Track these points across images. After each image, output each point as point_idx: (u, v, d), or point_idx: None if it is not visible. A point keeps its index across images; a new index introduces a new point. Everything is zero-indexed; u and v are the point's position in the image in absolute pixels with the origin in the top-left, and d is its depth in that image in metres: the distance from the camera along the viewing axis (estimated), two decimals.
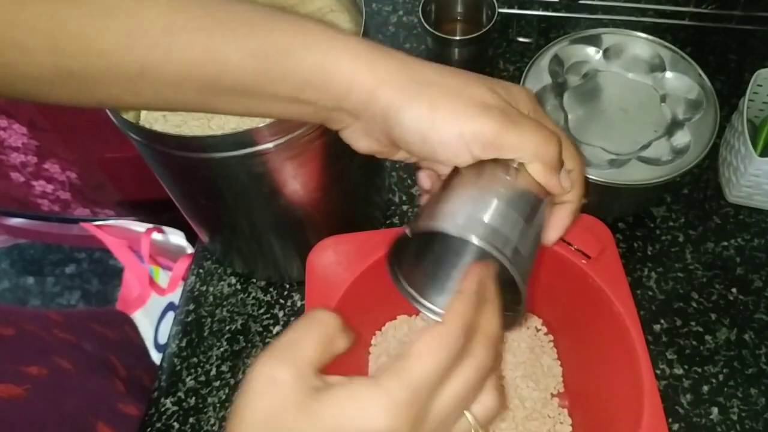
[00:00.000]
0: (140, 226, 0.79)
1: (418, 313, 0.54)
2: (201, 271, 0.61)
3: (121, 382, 0.53)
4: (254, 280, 0.60)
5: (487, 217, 0.29)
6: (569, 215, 0.33)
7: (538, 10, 0.72)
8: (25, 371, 0.44)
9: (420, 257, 0.35)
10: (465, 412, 0.28)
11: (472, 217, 0.29)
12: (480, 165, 0.30)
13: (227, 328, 0.57)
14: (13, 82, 0.29)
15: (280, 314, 0.58)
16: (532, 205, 0.31)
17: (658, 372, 0.52)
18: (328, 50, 0.28)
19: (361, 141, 0.32)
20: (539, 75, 0.58)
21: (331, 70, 0.28)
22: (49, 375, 0.45)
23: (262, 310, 0.58)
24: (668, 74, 0.57)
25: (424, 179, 0.35)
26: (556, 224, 0.33)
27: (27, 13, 0.27)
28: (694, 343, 0.54)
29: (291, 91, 0.29)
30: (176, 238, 0.77)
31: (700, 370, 0.52)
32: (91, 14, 0.27)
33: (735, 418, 0.50)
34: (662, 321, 0.55)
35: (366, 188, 0.56)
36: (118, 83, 0.29)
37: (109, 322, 0.62)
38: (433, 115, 0.28)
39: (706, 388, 0.52)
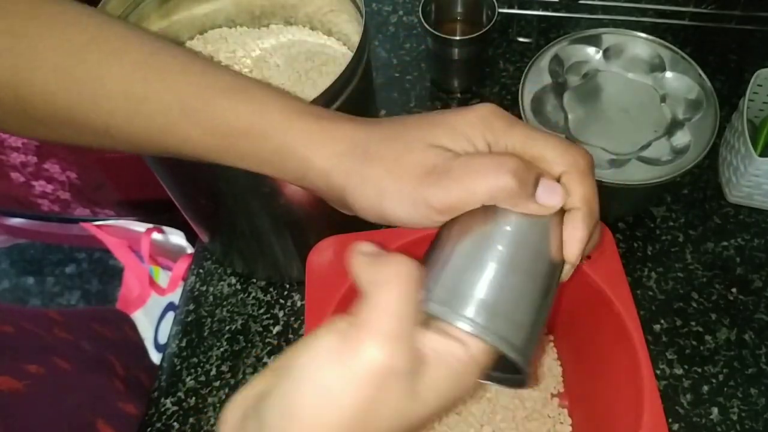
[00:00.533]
0: (140, 226, 0.79)
1: None
2: (201, 271, 0.61)
3: (120, 381, 0.53)
4: (254, 280, 0.60)
5: (475, 294, 0.26)
6: (581, 223, 0.29)
7: (538, 10, 0.72)
8: (25, 368, 0.44)
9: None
10: None
11: (457, 296, 0.26)
12: (456, 221, 0.28)
13: (227, 328, 0.57)
14: None
15: (280, 314, 0.58)
16: (525, 245, 0.27)
17: (658, 372, 0.52)
18: (284, 133, 0.29)
19: (343, 209, 0.32)
20: (539, 75, 0.58)
21: (286, 156, 0.29)
22: (48, 374, 0.45)
23: (262, 310, 0.58)
24: (668, 74, 0.57)
25: None
26: (570, 239, 0.30)
27: None
28: (694, 343, 0.54)
29: (252, 166, 0.31)
30: (176, 238, 0.77)
31: (700, 370, 0.52)
32: (54, 72, 0.28)
33: (735, 418, 0.50)
34: (662, 321, 0.55)
35: None
36: (86, 134, 0.30)
37: (109, 321, 0.62)
38: (381, 200, 0.28)
39: (706, 388, 0.52)
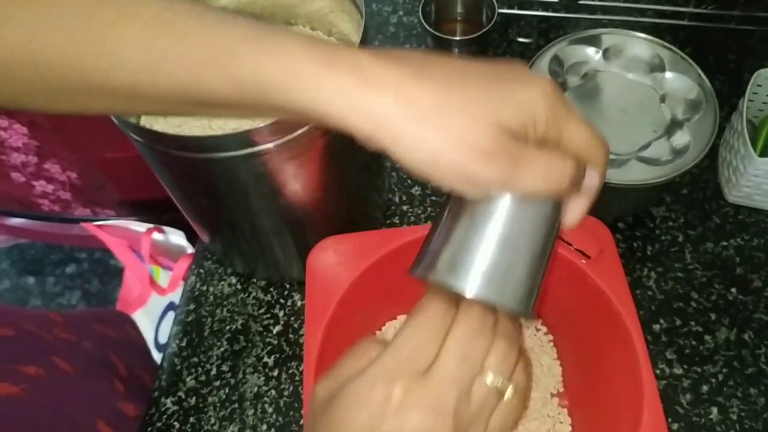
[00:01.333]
0: (141, 226, 0.79)
1: None
2: (201, 271, 0.61)
3: (120, 381, 0.53)
4: (254, 280, 0.60)
5: (477, 263, 0.29)
6: (588, 205, 0.32)
7: (537, 10, 0.72)
8: (23, 371, 0.44)
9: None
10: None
11: (462, 266, 0.29)
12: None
13: (227, 327, 0.57)
14: (6, 95, 0.30)
15: (281, 314, 0.58)
16: (546, 222, 0.30)
17: (658, 372, 0.52)
18: (316, 89, 0.27)
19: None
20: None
21: (324, 110, 0.27)
22: (47, 375, 0.45)
23: (262, 310, 0.58)
24: (668, 74, 0.58)
25: None
26: (574, 214, 0.32)
27: (5, 34, 0.27)
28: (694, 342, 0.54)
29: (283, 114, 0.29)
30: (177, 238, 0.77)
31: (699, 369, 0.53)
32: (70, 38, 0.27)
33: (734, 417, 0.50)
34: (662, 321, 0.55)
35: (366, 188, 0.56)
36: (109, 98, 0.29)
37: (110, 321, 0.62)
38: (434, 167, 0.27)
39: (705, 387, 0.52)
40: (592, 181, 0.31)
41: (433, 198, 0.63)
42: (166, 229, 0.77)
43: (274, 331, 0.57)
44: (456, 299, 0.30)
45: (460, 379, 0.28)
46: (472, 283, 0.28)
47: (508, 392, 0.29)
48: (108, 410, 0.49)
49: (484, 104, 0.27)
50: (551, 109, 0.28)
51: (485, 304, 0.30)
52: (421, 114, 0.26)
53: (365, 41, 0.42)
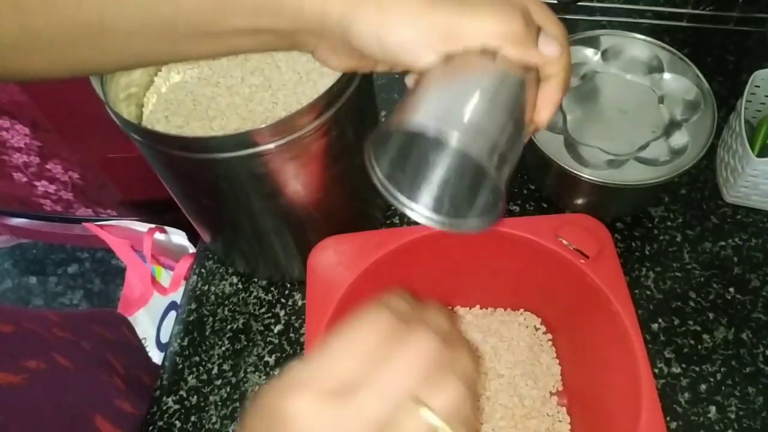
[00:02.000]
0: (142, 226, 0.79)
1: None
2: (203, 270, 0.61)
3: (120, 379, 0.53)
4: (255, 280, 0.60)
5: (465, 114, 0.27)
6: (558, 89, 0.31)
7: None
8: (24, 364, 0.44)
9: (399, 152, 0.33)
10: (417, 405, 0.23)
11: (450, 114, 0.27)
12: (452, 59, 0.28)
13: (229, 327, 0.58)
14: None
15: (281, 313, 0.58)
16: (513, 91, 0.29)
17: (656, 371, 0.53)
18: None
19: (331, 59, 0.31)
20: None
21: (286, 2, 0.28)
22: (48, 369, 0.46)
23: (263, 310, 0.58)
24: (666, 75, 0.58)
25: (410, 80, 0.33)
26: (546, 102, 0.31)
27: None
28: (692, 342, 0.54)
29: (248, 22, 0.29)
30: (178, 237, 0.77)
31: (698, 368, 0.53)
32: None
33: (733, 416, 0.50)
34: (660, 320, 0.55)
35: (366, 188, 0.56)
36: (82, 40, 0.29)
37: (107, 323, 0.62)
38: (382, 18, 0.27)
39: (704, 386, 0.52)
40: (551, 49, 0.29)
41: None
42: (168, 229, 0.78)
43: (275, 331, 0.57)
44: (410, 311, 0.26)
45: (380, 404, 0.23)
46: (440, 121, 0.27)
47: None
48: (107, 405, 0.50)
49: None
50: None
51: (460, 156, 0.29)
52: None
53: None
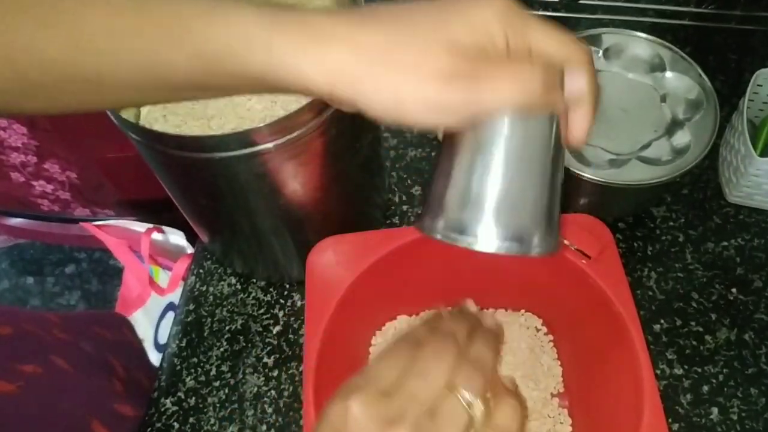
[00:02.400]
0: (140, 226, 0.79)
1: (418, 312, 0.54)
2: (201, 271, 0.61)
3: (119, 382, 0.53)
4: (254, 280, 0.60)
5: (501, 212, 0.28)
6: (589, 114, 0.30)
7: (538, 10, 0.72)
8: (20, 369, 0.44)
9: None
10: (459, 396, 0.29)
11: (485, 217, 0.28)
12: (476, 128, 0.28)
13: (227, 328, 0.57)
14: None
15: (280, 314, 0.58)
16: (544, 144, 0.28)
17: (658, 372, 0.52)
18: (269, 49, 0.26)
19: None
20: None
21: (280, 73, 0.27)
22: (45, 373, 0.45)
23: (262, 310, 0.58)
24: (668, 74, 0.57)
25: (440, 134, 0.33)
26: (577, 129, 0.30)
27: None
28: (694, 343, 0.54)
29: (248, 86, 0.29)
30: (176, 238, 0.77)
31: (700, 370, 0.52)
32: (37, 26, 0.28)
33: (735, 418, 0.50)
34: (662, 321, 0.55)
35: (366, 188, 0.56)
36: (80, 89, 0.30)
37: (108, 324, 0.62)
38: (401, 108, 0.27)
39: (706, 388, 0.52)
40: (578, 83, 0.29)
41: None
42: (166, 229, 0.77)
43: (274, 332, 0.57)
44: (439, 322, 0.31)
45: (421, 395, 0.29)
46: (483, 234, 0.27)
47: (478, 412, 0.29)
48: (104, 410, 0.49)
49: (431, 29, 0.27)
50: (506, 21, 0.27)
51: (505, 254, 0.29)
52: (373, 55, 0.26)
53: None
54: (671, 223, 0.60)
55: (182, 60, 0.28)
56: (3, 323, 0.47)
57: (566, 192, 0.61)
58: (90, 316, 0.64)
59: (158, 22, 0.28)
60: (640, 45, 0.59)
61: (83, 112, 0.34)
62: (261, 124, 0.38)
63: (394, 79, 0.26)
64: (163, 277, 0.80)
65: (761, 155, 0.56)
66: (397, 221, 0.61)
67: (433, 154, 0.66)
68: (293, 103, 0.49)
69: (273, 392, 0.53)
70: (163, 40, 0.27)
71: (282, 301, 0.58)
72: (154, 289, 0.77)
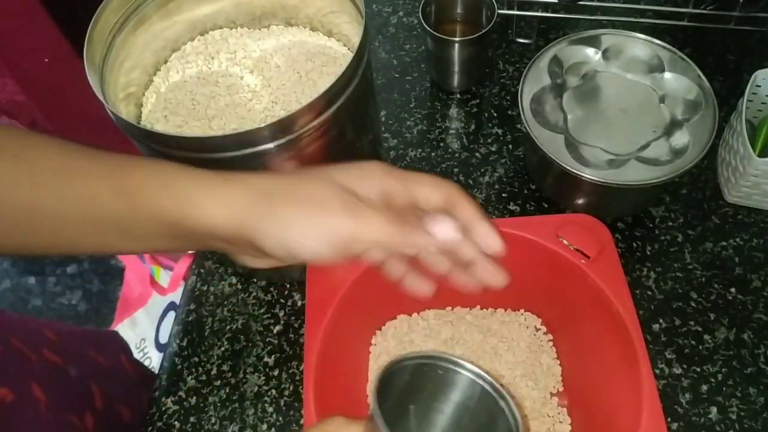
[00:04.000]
0: None
1: (418, 312, 0.54)
2: (202, 270, 0.61)
3: (93, 415, 0.51)
4: (255, 280, 0.60)
5: None
6: (489, 225, 0.34)
7: (537, 11, 0.72)
8: None
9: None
10: None
11: None
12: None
13: (228, 327, 0.57)
14: None
15: (281, 314, 0.58)
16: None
17: (657, 371, 0.52)
18: (188, 193, 0.31)
19: (253, 261, 0.36)
20: (538, 76, 0.58)
21: (193, 213, 0.31)
22: (17, 402, 0.44)
23: (262, 310, 0.58)
24: (667, 75, 0.58)
25: None
26: (487, 239, 0.34)
27: None
28: (693, 342, 0.54)
29: (165, 229, 0.32)
30: None
31: (699, 369, 0.53)
32: (34, 188, 0.32)
33: (734, 417, 0.50)
34: (661, 320, 0.55)
35: None
36: (15, 227, 0.33)
37: (105, 348, 0.59)
38: (288, 231, 0.31)
39: (705, 387, 0.52)
40: (465, 211, 0.34)
41: None
42: None
43: (275, 331, 0.57)
44: None
45: None
46: None
47: None
48: None
49: (321, 174, 0.33)
50: (387, 169, 0.33)
51: None
52: (273, 193, 0.31)
53: (365, 42, 0.43)
54: (670, 223, 0.60)
55: (107, 195, 0.32)
56: None
57: (565, 192, 0.61)
58: (90, 335, 0.63)
59: (107, 174, 0.32)
60: (639, 46, 0.59)
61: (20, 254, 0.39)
62: (262, 125, 0.38)
63: (286, 209, 0.31)
64: (164, 277, 0.81)
65: (760, 155, 0.56)
66: None
67: (433, 154, 0.66)
68: (294, 104, 0.49)
69: (273, 391, 0.54)
70: (95, 177, 0.32)
71: (282, 300, 0.59)
72: (155, 289, 0.77)
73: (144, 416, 0.54)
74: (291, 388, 0.54)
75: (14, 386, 0.44)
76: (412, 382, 0.32)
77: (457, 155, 0.66)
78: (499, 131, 0.67)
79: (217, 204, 0.31)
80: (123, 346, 0.64)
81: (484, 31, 0.63)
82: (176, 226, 0.32)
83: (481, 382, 0.31)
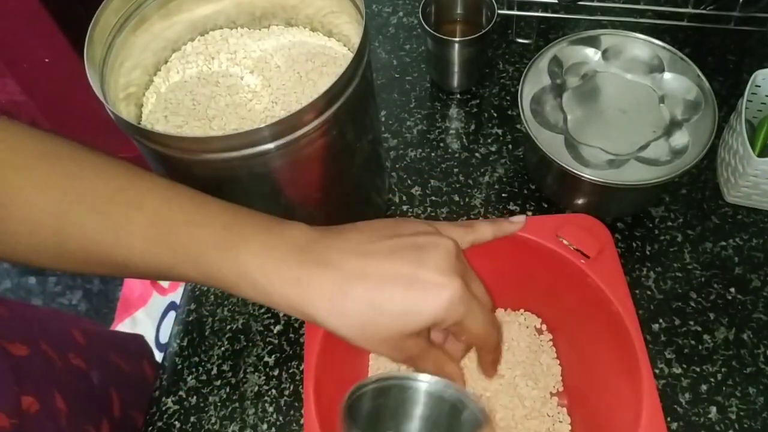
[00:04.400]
0: None
1: None
2: None
3: (109, 423, 0.52)
4: None
5: None
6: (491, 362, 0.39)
7: (537, 11, 0.72)
8: (20, 402, 0.43)
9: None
10: None
11: None
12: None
13: (228, 327, 0.58)
14: (21, 252, 0.35)
15: (281, 313, 0.58)
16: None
17: (657, 371, 0.53)
18: (246, 259, 0.33)
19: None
20: (538, 76, 0.58)
21: (251, 282, 0.33)
22: (39, 412, 0.44)
23: (263, 310, 0.58)
24: (667, 75, 0.58)
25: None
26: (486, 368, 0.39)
27: (39, 200, 0.33)
28: (693, 342, 0.54)
29: (207, 282, 0.34)
30: None
31: (698, 369, 0.53)
32: (89, 215, 0.33)
33: (733, 417, 0.50)
34: (661, 320, 0.55)
35: (366, 189, 0.56)
36: (107, 266, 0.34)
37: (128, 352, 0.61)
38: (364, 332, 0.32)
39: (704, 387, 0.52)
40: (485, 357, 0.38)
41: (433, 198, 0.63)
42: None
43: (275, 331, 0.57)
44: None
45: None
46: None
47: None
48: None
49: (391, 316, 0.32)
50: (455, 314, 0.33)
51: None
52: (344, 282, 0.32)
53: (365, 42, 0.43)
54: (670, 223, 0.60)
55: (192, 272, 0.34)
56: (23, 340, 0.46)
57: (565, 192, 0.62)
58: (116, 338, 0.63)
59: (182, 244, 0.33)
60: (639, 46, 0.59)
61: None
62: (262, 125, 0.38)
63: (358, 307, 0.32)
64: None
65: (759, 155, 0.56)
66: None
67: (433, 154, 0.66)
68: (294, 104, 0.49)
69: (274, 391, 0.54)
70: (183, 258, 0.33)
71: None
72: (155, 289, 0.77)
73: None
74: (291, 387, 0.54)
75: (39, 394, 0.45)
76: (377, 407, 0.32)
77: (457, 155, 0.66)
78: (499, 131, 0.67)
79: (285, 280, 0.33)
80: (145, 350, 0.64)
81: (484, 31, 0.63)
82: (228, 288, 0.34)
83: (436, 388, 0.32)
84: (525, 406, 0.49)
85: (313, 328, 0.43)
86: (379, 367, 0.51)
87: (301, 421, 0.52)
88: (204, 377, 0.55)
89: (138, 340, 0.66)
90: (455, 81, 0.69)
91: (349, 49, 0.54)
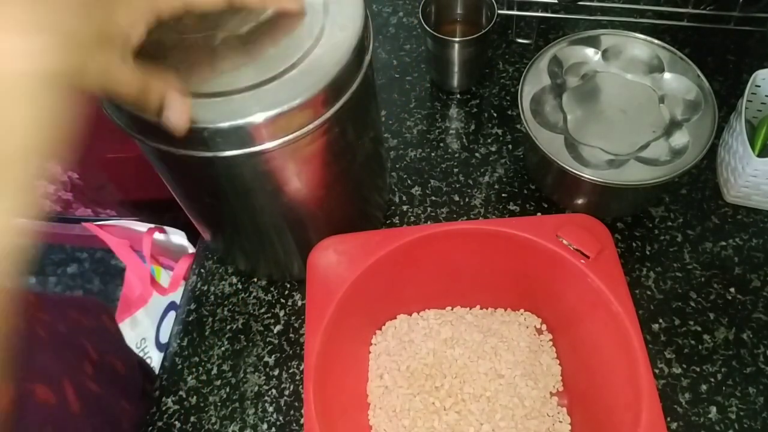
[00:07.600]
0: (142, 226, 0.79)
1: (418, 312, 0.54)
2: (202, 270, 0.61)
3: (90, 365, 0.52)
4: (255, 280, 0.60)
5: None
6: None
7: (537, 11, 0.72)
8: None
9: None
10: None
11: None
12: None
13: (228, 327, 0.58)
14: None
15: (281, 313, 0.58)
16: None
17: (657, 371, 0.53)
18: None
19: None
20: (538, 76, 0.58)
21: None
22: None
23: (263, 310, 0.58)
24: (667, 75, 0.58)
25: None
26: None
27: None
28: (693, 342, 0.54)
29: None
30: (178, 237, 0.77)
31: (698, 369, 0.53)
32: None
33: (733, 417, 0.50)
34: (661, 320, 0.55)
35: (367, 188, 0.56)
36: None
37: (87, 310, 0.61)
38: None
39: (704, 387, 0.52)
40: None
41: (433, 198, 0.63)
42: (167, 229, 0.78)
43: (275, 331, 0.57)
44: None
45: None
46: None
47: None
48: (76, 379, 0.49)
49: None
50: None
51: None
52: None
53: (367, 41, 0.43)
54: (670, 223, 0.60)
55: None
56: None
57: (565, 192, 0.61)
58: (68, 299, 0.63)
59: None
60: (639, 46, 0.59)
61: None
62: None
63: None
64: (164, 277, 0.81)
65: (759, 155, 0.56)
66: (397, 221, 0.62)
67: (433, 154, 0.66)
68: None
69: (274, 391, 0.54)
70: None
71: (283, 300, 0.59)
72: (155, 289, 0.77)
73: (143, 407, 0.54)
74: (291, 387, 0.54)
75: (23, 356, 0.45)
76: None
77: (457, 155, 0.66)
78: (499, 131, 0.67)
79: None
80: (101, 307, 0.65)
81: (484, 31, 0.63)
82: None
83: None
84: (525, 405, 0.49)
85: (313, 328, 0.43)
86: (378, 366, 0.51)
87: (301, 421, 0.52)
88: (204, 377, 0.55)
89: (89, 299, 0.66)
90: (455, 81, 0.69)
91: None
